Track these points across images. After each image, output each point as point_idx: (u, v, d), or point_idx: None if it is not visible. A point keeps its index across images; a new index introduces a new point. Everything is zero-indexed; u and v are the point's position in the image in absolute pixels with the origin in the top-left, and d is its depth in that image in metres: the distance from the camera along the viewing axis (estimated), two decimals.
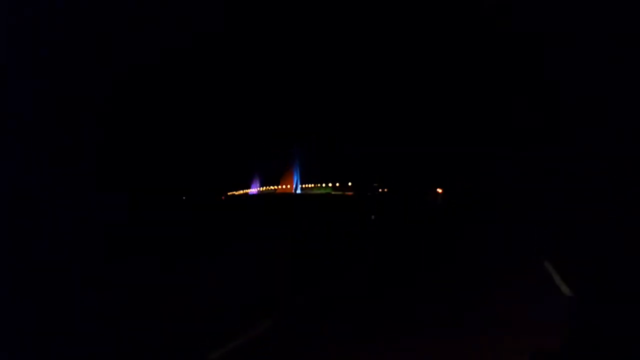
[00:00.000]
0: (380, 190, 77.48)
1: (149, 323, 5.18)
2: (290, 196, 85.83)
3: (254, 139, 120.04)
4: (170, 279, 7.41)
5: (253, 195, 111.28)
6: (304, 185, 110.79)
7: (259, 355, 4.48)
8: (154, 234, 12.41)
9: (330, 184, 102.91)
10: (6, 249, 6.12)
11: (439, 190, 67.31)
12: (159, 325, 5.09)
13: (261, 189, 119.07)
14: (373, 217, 20.49)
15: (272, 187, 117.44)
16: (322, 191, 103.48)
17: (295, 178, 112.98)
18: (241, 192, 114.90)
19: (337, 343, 4.58)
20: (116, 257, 8.96)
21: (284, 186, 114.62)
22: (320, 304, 6.02)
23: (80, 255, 8.54)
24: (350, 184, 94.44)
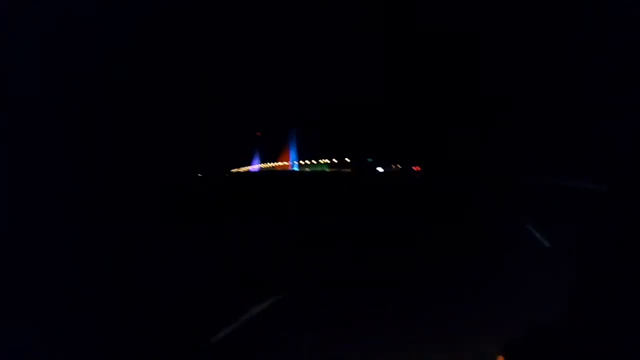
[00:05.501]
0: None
1: None
2: (287, 174, 75.92)
3: (253, 116, 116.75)
4: None
5: (255, 173, 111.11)
6: (301, 162, 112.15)
7: None
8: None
9: (327, 160, 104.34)
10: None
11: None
12: None
13: (262, 166, 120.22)
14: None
15: (271, 165, 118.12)
16: (319, 168, 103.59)
17: (292, 155, 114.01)
18: (243, 169, 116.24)
19: None
20: None
21: (281, 163, 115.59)
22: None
23: None
24: (348, 160, 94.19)
